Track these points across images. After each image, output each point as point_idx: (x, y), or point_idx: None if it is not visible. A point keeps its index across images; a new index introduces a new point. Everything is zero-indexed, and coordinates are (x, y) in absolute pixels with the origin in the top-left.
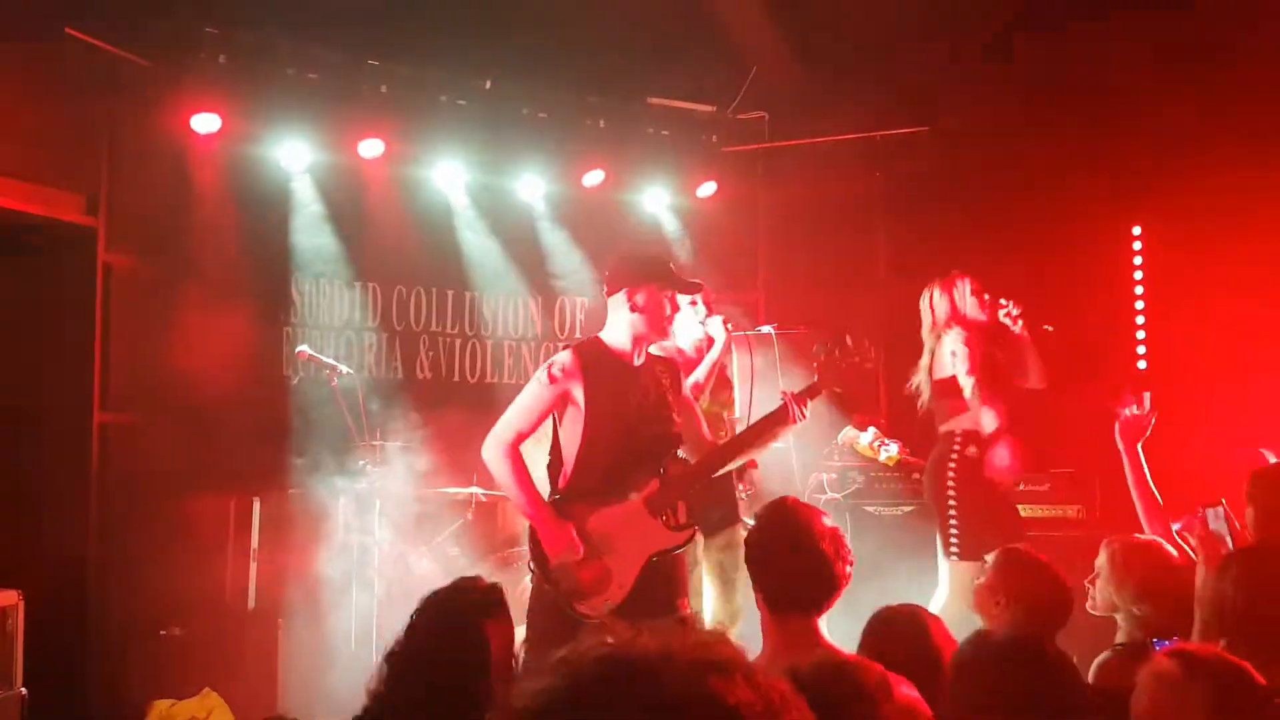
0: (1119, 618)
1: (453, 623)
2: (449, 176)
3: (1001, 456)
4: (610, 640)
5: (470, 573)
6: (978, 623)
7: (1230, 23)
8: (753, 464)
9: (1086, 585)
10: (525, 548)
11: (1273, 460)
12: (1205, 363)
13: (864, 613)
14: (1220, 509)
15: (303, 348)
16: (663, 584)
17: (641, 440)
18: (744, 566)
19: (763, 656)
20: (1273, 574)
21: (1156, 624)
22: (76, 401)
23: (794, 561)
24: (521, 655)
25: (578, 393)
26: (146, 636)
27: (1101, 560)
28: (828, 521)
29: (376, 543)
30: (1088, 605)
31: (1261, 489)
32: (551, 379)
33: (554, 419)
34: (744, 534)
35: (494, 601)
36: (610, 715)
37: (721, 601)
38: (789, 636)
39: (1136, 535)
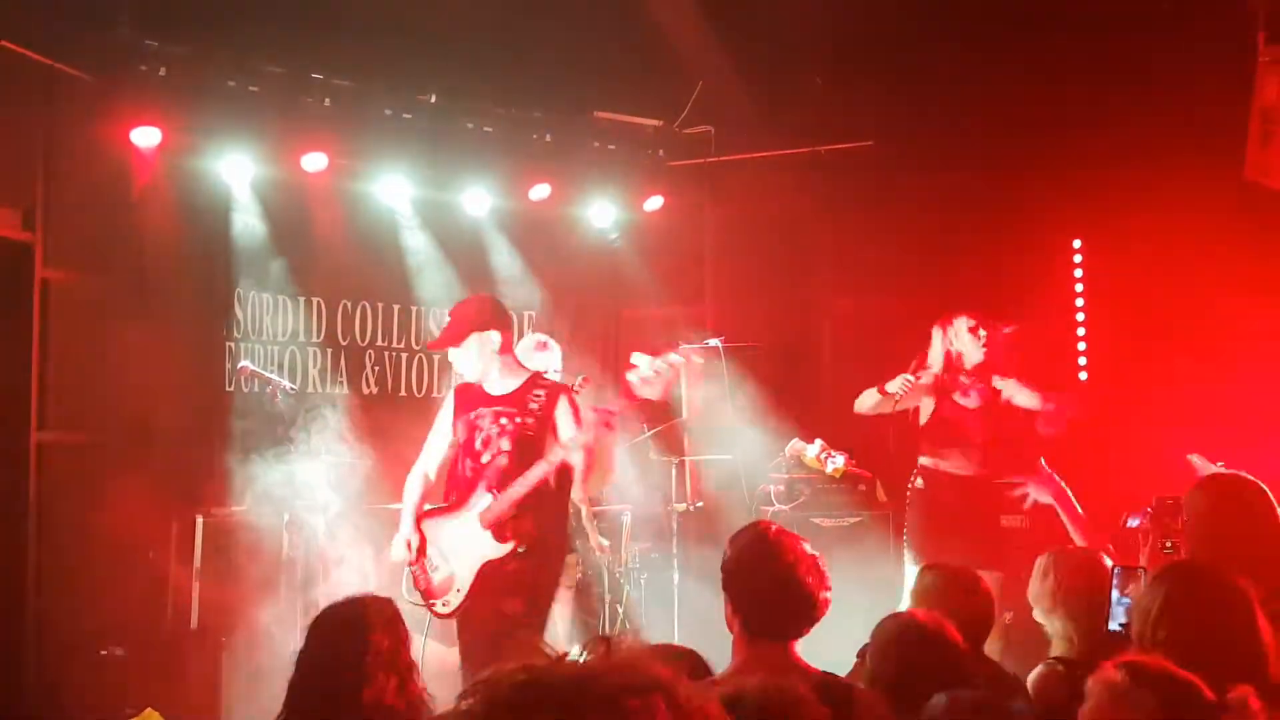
0: (1046, 626)
1: (336, 639)
2: (393, 190)
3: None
4: (531, 663)
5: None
6: None
7: (1166, 40)
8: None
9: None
10: None
11: (1200, 467)
12: (1145, 372)
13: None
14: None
15: (245, 363)
16: (494, 590)
17: (481, 465)
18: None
19: (729, 671)
20: (1197, 595)
21: (1075, 635)
22: (14, 419)
23: (775, 593)
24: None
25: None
26: (87, 656)
27: (1035, 568)
28: (808, 549)
29: (320, 560)
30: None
31: (1194, 501)
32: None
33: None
34: (573, 559)
35: (380, 614)
36: None
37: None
38: (759, 656)
39: (1074, 546)
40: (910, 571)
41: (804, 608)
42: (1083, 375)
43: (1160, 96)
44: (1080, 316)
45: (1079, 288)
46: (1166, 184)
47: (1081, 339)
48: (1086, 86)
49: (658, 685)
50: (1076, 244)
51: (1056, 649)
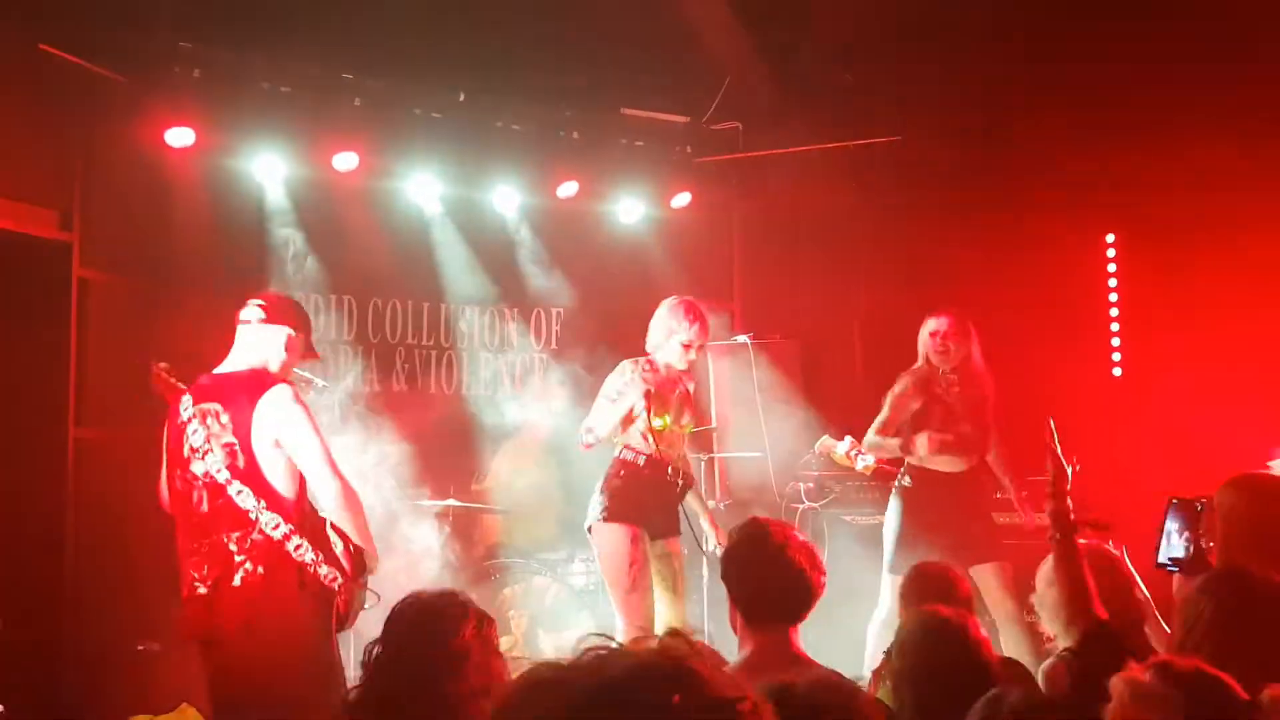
0: (1054, 630)
1: (433, 626)
2: (423, 189)
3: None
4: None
5: (447, 583)
6: None
7: (1205, 28)
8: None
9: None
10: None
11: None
12: (1181, 369)
13: (838, 622)
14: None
15: None
16: None
17: None
18: (682, 575)
19: (739, 666)
20: (1251, 605)
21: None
22: (52, 416)
23: (769, 573)
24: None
25: None
26: (124, 652)
27: (1042, 575)
28: (800, 536)
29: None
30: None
31: (1229, 499)
32: None
33: None
34: (681, 548)
35: (472, 610)
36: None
37: (670, 611)
38: (765, 645)
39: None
40: (887, 577)
41: (798, 587)
42: (1116, 371)
43: (1197, 85)
44: (1114, 313)
45: (1113, 283)
46: (1202, 176)
47: (1115, 335)
48: (1121, 77)
49: (702, 668)
50: (1110, 239)
51: (1066, 642)
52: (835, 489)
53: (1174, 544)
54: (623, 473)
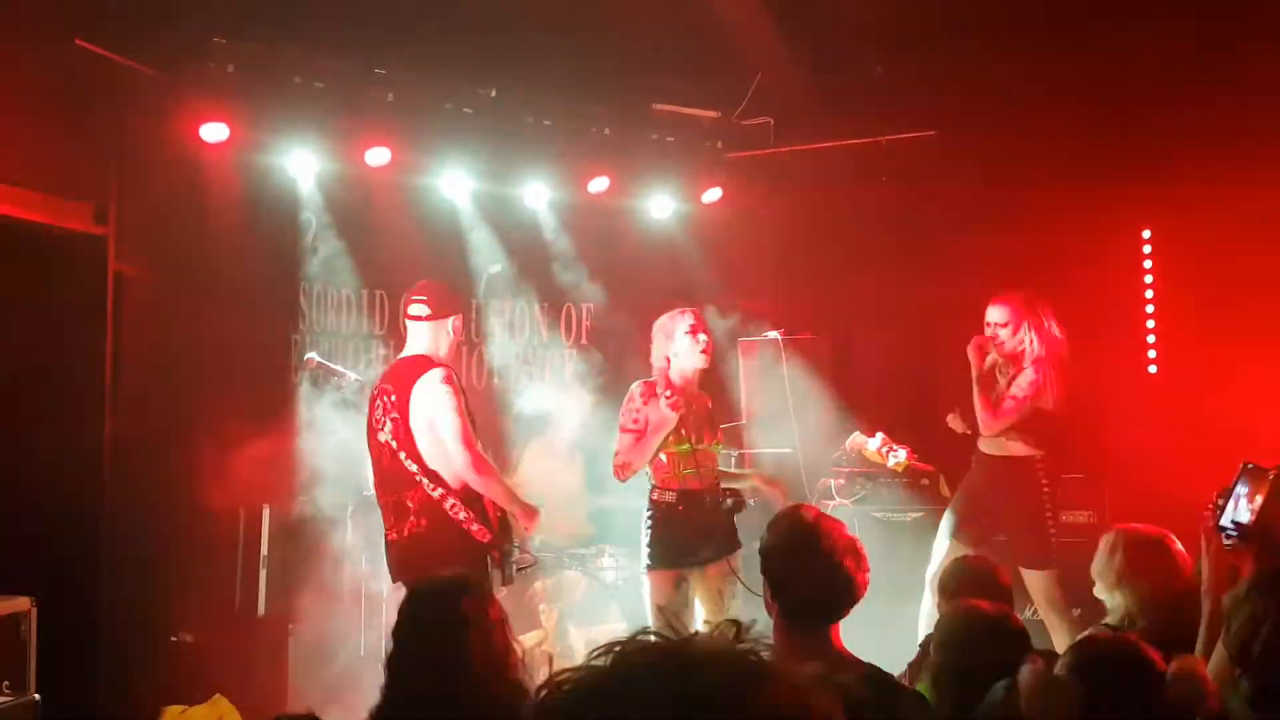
0: (1107, 601)
1: (432, 616)
2: (455, 184)
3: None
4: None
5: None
6: None
7: (1242, 21)
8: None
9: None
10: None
11: None
12: (1217, 366)
13: (872, 620)
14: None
15: (311, 355)
16: None
17: None
18: (730, 590)
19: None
20: None
21: (1134, 612)
22: (88, 411)
23: (815, 576)
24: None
25: None
26: (158, 643)
27: (1101, 544)
28: (847, 531)
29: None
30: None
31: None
32: None
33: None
34: (736, 561)
35: (470, 588)
36: (646, 702)
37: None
38: (806, 643)
39: (1143, 525)
40: (940, 547)
41: (844, 591)
42: (1152, 369)
43: (1237, 78)
44: (1150, 309)
45: (1149, 279)
46: (1241, 170)
47: (1151, 332)
48: (1158, 70)
49: (775, 666)
50: (1146, 234)
51: (1113, 621)
52: (866, 485)
53: (1240, 509)
54: (657, 515)
